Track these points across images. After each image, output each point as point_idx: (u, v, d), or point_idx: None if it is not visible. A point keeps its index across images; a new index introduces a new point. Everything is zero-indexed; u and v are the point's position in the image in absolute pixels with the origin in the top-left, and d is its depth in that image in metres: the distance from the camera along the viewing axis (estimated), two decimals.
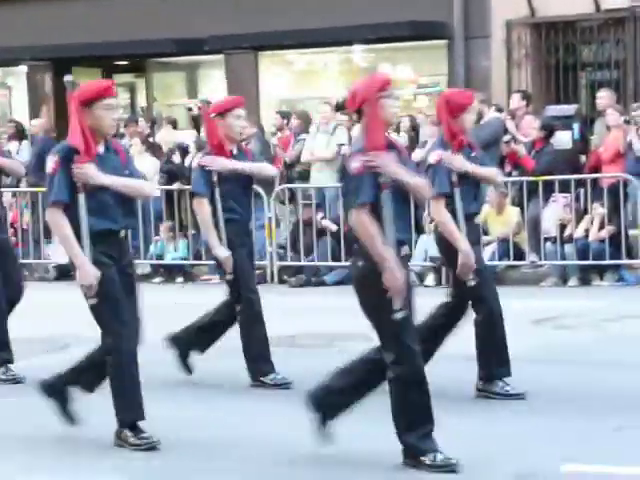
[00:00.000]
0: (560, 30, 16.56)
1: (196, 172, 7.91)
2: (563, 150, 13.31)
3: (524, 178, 13.18)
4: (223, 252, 7.71)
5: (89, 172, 6.11)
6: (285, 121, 15.40)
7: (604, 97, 13.82)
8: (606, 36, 16.41)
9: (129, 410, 6.24)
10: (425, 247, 13.21)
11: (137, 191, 6.37)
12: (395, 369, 5.65)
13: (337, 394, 5.94)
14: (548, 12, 16.43)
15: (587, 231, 12.73)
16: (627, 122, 12.78)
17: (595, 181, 12.95)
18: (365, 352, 5.93)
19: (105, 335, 6.23)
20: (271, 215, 13.83)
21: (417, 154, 13.89)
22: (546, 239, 12.87)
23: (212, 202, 7.77)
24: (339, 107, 14.85)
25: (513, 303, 11.14)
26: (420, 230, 13.40)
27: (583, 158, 13.58)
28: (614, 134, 13.00)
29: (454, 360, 7.42)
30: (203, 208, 7.78)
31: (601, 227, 12.63)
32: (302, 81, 18.97)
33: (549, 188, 12.89)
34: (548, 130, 13.32)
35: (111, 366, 6.23)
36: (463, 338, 7.37)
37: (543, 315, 10.36)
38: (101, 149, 6.27)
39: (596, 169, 13.15)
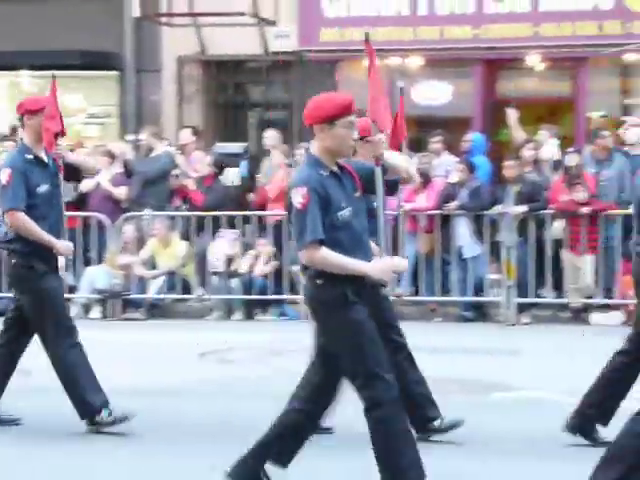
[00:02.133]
0: (230, 69, 16.97)
1: None
2: (231, 187, 13.62)
3: (193, 213, 13.36)
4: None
5: None
6: None
7: (270, 137, 14.27)
8: (274, 77, 16.97)
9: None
10: (91, 279, 13.09)
11: None
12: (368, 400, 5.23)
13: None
14: (219, 50, 16.78)
15: (252, 266, 13.06)
16: (290, 165, 13.26)
17: (260, 218, 13.32)
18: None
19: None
20: None
21: (84, 184, 13.80)
22: (213, 273, 13.09)
23: None
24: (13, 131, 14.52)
25: (179, 336, 11.33)
26: (87, 262, 13.28)
27: (250, 195, 13.93)
28: (279, 173, 13.44)
29: None
30: None
31: (266, 263, 12.99)
32: None
33: (217, 223, 13.14)
34: (218, 167, 13.60)
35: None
36: None
37: (208, 348, 10.51)
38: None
39: (262, 206, 13.53)
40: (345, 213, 5.30)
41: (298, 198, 5.25)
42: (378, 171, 5.50)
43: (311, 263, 5.29)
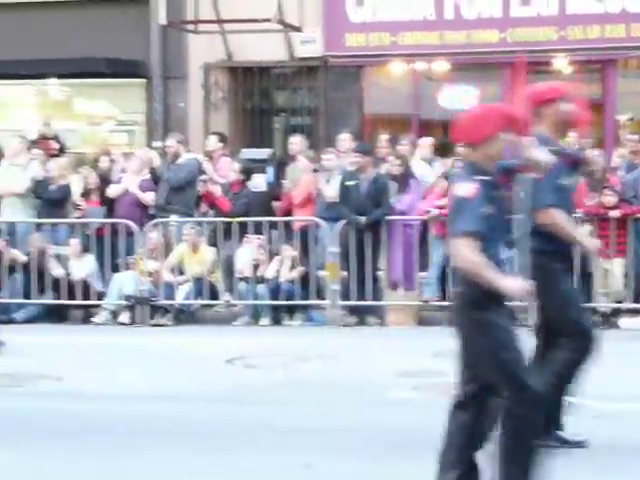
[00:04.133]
0: (256, 75, 16.99)
1: None
2: (258, 193, 13.63)
3: (219, 219, 13.38)
4: None
5: None
6: None
7: (296, 142, 14.27)
8: (299, 83, 16.99)
9: None
10: (120, 285, 13.13)
11: None
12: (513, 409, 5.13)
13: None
14: (244, 57, 16.83)
15: (279, 272, 13.06)
16: (316, 171, 13.26)
17: (287, 223, 13.32)
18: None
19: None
20: None
21: (112, 189, 13.85)
22: (240, 279, 13.10)
23: None
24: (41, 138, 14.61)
25: (207, 342, 11.33)
26: (115, 268, 13.32)
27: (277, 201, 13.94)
28: (305, 179, 13.44)
29: None
30: None
31: (292, 268, 12.99)
32: None
33: (243, 229, 13.15)
34: (246, 173, 13.62)
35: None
36: None
37: (235, 354, 10.51)
38: None
39: (288, 212, 13.54)
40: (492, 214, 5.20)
41: (466, 189, 5.16)
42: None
43: (458, 253, 5.14)
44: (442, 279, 12.81)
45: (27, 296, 13.19)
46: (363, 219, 12.65)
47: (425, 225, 12.90)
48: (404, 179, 13.07)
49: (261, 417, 7.81)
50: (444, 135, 15.84)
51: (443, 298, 12.79)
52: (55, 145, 15.49)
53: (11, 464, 6.49)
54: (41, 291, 13.23)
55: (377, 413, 7.83)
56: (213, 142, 14.52)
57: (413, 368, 9.55)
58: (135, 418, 7.71)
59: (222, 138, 14.74)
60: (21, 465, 6.52)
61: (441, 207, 12.75)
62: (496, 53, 15.93)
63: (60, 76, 17.44)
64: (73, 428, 7.37)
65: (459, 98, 16.32)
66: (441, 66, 16.35)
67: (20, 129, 15.74)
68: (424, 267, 12.82)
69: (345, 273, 12.87)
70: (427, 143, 14.01)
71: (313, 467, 6.39)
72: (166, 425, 7.48)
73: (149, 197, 13.75)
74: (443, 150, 14.22)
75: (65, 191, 13.75)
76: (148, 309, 13.03)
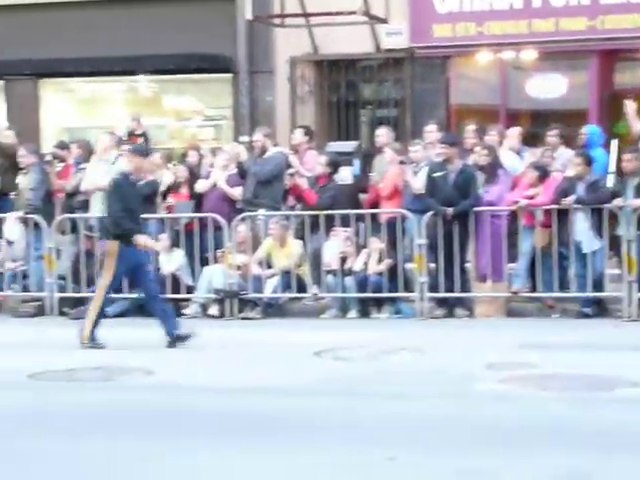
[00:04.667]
0: (342, 68, 16.99)
1: None
2: (345, 185, 13.63)
3: (306, 212, 13.42)
4: None
5: None
6: (66, 151, 15.03)
7: (383, 135, 14.24)
8: (386, 75, 16.94)
9: None
10: (209, 278, 13.24)
11: None
12: None
13: None
14: (330, 50, 16.84)
15: (366, 264, 13.05)
16: (402, 163, 13.20)
17: (374, 216, 13.30)
18: None
19: None
20: (51, 245, 13.58)
21: (200, 185, 13.97)
22: (327, 272, 13.12)
23: None
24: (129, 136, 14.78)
25: (295, 335, 11.38)
26: (204, 262, 13.44)
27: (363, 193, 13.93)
28: (392, 171, 13.40)
29: None
30: None
31: (380, 261, 12.97)
32: (85, 110, 18.73)
33: (330, 222, 13.16)
34: (333, 166, 13.63)
35: None
36: None
37: (324, 347, 10.53)
38: None
39: (375, 204, 13.51)
40: None
41: None
42: None
43: None
44: (531, 270, 12.69)
45: (118, 291, 13.36)
46: (451, 210, 12.57)
47: (513, 216, 12.78)
48: (492, 170, 12.96)
49: (348, 409, 7.81)
50: (532, 125, 15.70)
51: (532, 289, 12.67)
52: (141, 142, 15.64)
53: (101, 454, 6.58)
54: (132, 286, 13.40)
55: (464, 406, 7.78)
56: (299, 136, 14.56)
57: (501, 360, 9.47)
58: (223, 411, 7.76)
59: (308, 131, 14.77)
60: (116, 454, 6.61)
61: (530, 197, 12.63)
62: (584, 41, 15.69)
63: (149, 72, 17.65)
64: (165, 422, 7.44)
65: (547, 87, 16.12)
66: (529, 55, 16.16)
67: (110, 126, 15.94)
68: (512, 258, 12.70)
69: (433, 265, 12.81)
70: (515, 133, 13.86)
71: (396, 460, 6.37)
72: (255, 418, 7.51)
73: (237, 191, 13.84)
74: (532, 140, 14.06)
75: (154, 186, 13.90)
76: (237, 302, 13.12)
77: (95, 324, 10.63)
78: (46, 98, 18.40)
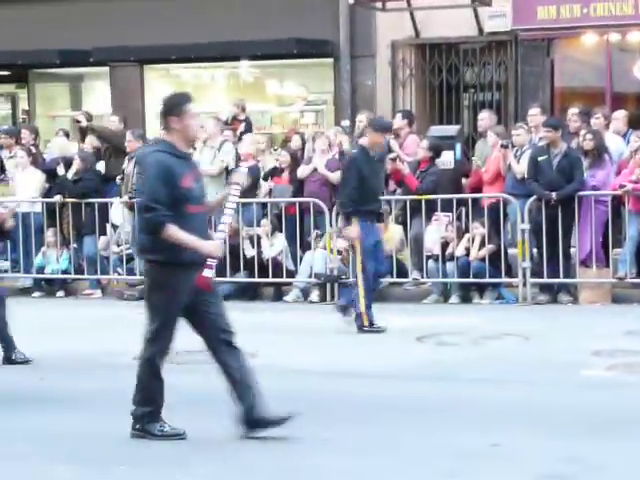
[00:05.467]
0: (444, 51, 16.86)
1: None
2: (446, 170, 13.54)
3: (407, 197, 13.36)
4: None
5: None
6: None
7: (485, 118, 14.10)
8: (488, 58, 16.76)
9: None
10: (310, 263, 13.29)
11: None
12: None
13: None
14: (432, 34, 16.71)
15: (468, 250, 12.95)
16: (504, 147, 13.01)
17: (476, 200, 13.18)
18: None
19: None
20: None
21: (301, 170, 14.00)
22: (428, 257, 13.05)
23: None
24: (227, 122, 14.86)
25: (396, 320, 11.36)
26: (305, 247, 13.49)
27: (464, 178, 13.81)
28: (495, 155, 13.26)
29: None
30: None
31: (481, 246, 12.86)
32: None
33: (431, 207, 13.08)
34: (435, 150, 13.53)
35: None
36: None
37: (426, 332, 10.50)
38: None
39: (477, 189, 13.40)
40: None
41: None
42: None
43: None
44: (637, 255, 12.46)
45: (221, 274, 13.48)
46: (554, 195, 12.41)
47: (619, 200, 12.55)
48: (597, 153, 12.75)
49: (451, 394, 7.78)
50: (638, 107, 15.39)
51: (638, 275, 12.44)
52: (241, 127, 15.74)
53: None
54: (234, 269, 13.52)
55: (569, 393, 7.70)
56: (399, 120, 14.48)
57: (607, 347, 9.33)
58: (327, 394, 7.80)
59: (409, 116, 14.68)
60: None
61: (636, 182, 12.40)
62: None
63: (251, 57, 17.74)
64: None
65: None
66: (636, 37, 15.84)
67: (213, 111, 16.07)
68: (618, 243, 12.49)
69: (536, 250, 12.66)
70: (621, 116, 13.61)
71: (500, 446, 6.33)
72: (357, 401, 7.53)
73: (336, 176, 13.83)
74: (638, 123, 13.79)
75: (255, 171, 13.97)
76: (338, 287, 13.14)
77: (368, 307, 10.78)
78: (150, 84, 18.62)
